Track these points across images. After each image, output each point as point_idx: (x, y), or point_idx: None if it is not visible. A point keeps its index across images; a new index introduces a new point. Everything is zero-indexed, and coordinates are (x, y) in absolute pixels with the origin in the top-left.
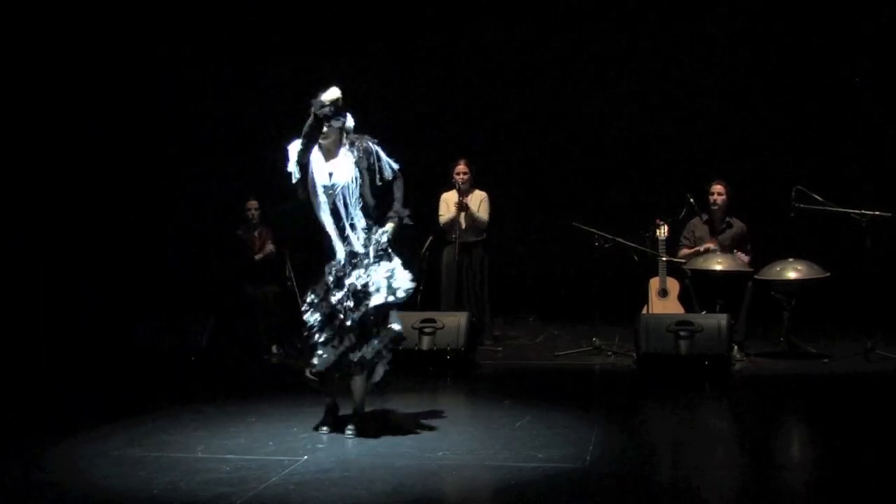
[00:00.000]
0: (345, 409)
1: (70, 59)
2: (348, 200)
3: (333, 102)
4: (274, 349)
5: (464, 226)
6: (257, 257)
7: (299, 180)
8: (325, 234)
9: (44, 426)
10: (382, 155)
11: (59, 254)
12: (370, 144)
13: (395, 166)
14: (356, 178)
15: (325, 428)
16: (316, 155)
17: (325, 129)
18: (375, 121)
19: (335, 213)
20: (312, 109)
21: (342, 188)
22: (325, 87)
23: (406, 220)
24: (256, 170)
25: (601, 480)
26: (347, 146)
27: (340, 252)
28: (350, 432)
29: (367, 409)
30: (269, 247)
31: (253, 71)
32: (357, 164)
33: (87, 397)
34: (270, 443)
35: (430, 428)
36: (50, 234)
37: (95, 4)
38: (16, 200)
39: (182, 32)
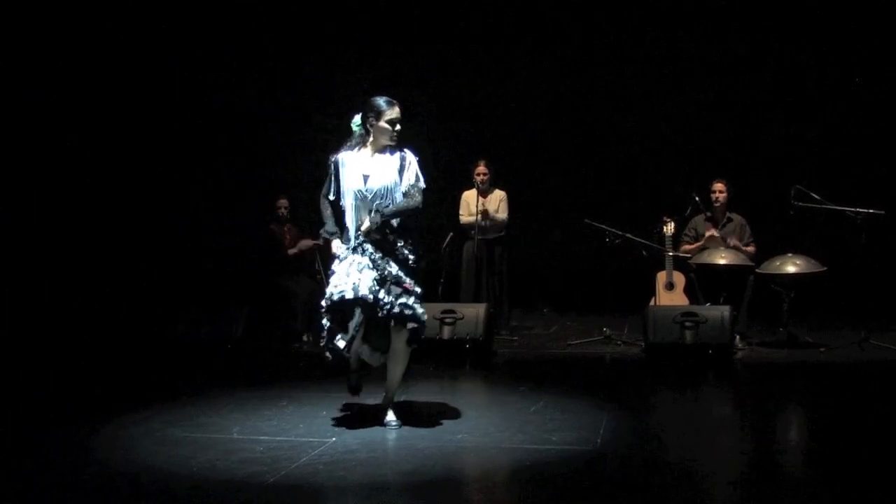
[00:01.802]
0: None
1: (113, 59)
2: (378, 205)
3: (399, 121)
4: (305, 338)
5: (485, 225)
6: (291, 252)
7: (328, 181)
8: (346, 232)
9: (94, 408)
10: (413, 165)
11: (104, 250)
12: (408, 152)
13: (422, 184)
14: (394, 184)
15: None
16: (350, 157)
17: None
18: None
19: (361, 215)
20: (371, 120)
21: (376, 192)
22: (379, 97)
23: (382, 216)
24: (286, 169)
25: (611, 461)
26: (389, 151)
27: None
28: (394, 424)
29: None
30: (307, 242)
31: (284, 71)
32: (397, 169)
33: (132, 383)
34: (301, 425)
35: (451, 412)
36: (96, 232)
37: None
38: (64, 199)
39: (216, 31)
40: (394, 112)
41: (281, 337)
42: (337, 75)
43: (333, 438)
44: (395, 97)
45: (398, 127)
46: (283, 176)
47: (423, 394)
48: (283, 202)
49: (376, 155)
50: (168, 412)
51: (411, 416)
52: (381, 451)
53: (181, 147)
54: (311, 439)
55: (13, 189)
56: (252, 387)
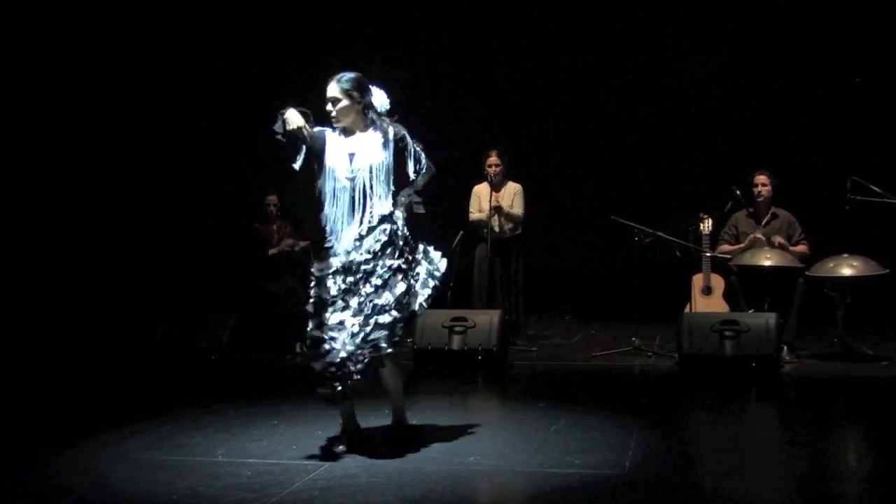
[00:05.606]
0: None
1: (113, 60)
2: (368, 188)
3: (330, 100)
4: (298, 348)
5: (497, 228)
6: (271, 252)
7: (302, 166)
8: (325, 227)
9: (61, 428)
10: (411, 146)
11: (78, 255)
12: (392, 128)
13: (413, 175)
14: (384, 163)
15: (341, 447)
16: (331, 135)
17: (332, 114)
18: (405, 111)
19: (349, 203)
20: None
21: (364, 174)
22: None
23: (416, 209)
24: (274, 164)
25: (641, 488)
26: (374, 127)
27: (342, 248)
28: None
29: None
30: (288, 240)
31: (271, 63)
32: (385, 146)
33: (105, 399)
34: (294, 446)
35: (461, 432)
36: (69, 235)
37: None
38: (38, 203)
39: (199, 26)
40: (326, 90)
41: (271, 347)
42: (337, 64)
43: (330, 461)
44: (397, 81)
45: (328, 107)
46: (273, 171)
47: (431, 411)
48: (272, 198)
49: (361, 130)
50: (145, 432)
51: (418, 435)
52: (384, 476)
53: (179, 147)
54: (305, 462)
55: (13, 189)
56: (239, 403)
